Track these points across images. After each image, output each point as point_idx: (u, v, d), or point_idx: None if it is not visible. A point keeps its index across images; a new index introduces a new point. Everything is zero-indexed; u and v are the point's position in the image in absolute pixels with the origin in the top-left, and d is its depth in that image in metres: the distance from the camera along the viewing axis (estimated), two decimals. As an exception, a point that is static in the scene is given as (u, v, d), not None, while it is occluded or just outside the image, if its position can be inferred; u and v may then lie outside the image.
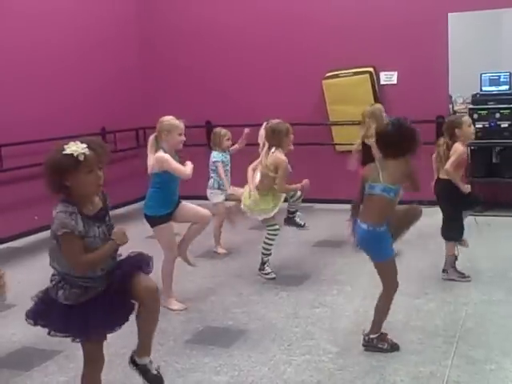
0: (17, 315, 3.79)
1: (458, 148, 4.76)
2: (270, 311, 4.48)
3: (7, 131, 6.49)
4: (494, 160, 7.47)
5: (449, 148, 4.82)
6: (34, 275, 5.03)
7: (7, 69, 6.69)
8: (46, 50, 7.22)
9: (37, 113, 6.93)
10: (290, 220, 5.81)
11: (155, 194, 4.52)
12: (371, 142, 5.19)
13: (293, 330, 4.09)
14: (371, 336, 3.67)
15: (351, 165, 5.74)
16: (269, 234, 5.21)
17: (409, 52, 7.62)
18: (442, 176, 4.90)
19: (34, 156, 6.83)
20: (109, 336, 2.98)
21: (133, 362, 3.14)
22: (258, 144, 7.29)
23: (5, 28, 6.74)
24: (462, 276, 4.91)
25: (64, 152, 2.67)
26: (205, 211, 4.72)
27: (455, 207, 4.91)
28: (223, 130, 6.16)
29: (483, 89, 7.38)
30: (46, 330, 2.86)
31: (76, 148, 2.66)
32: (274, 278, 5.17)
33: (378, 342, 3.66)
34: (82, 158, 2.65)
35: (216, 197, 6.02)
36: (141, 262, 2.96)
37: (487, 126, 7.23)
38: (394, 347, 3.67)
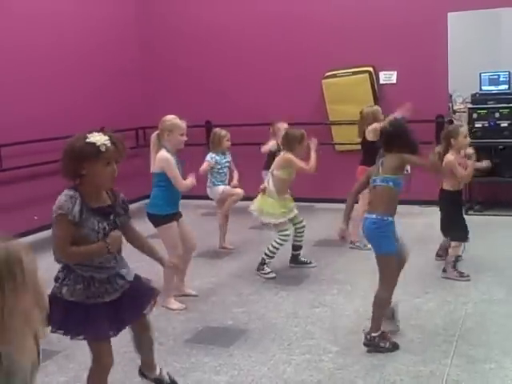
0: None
1: (447, 158, 4.90)
2: (270, 311, 4.48)
3: (7, 131, 6.49)
4: (493, 159, 7.47)
5: (441, 158, 4.93)
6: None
7: (7, 69, 6.70)
8: (46, 50, 7.23)
9: (37, 113, 6.93)
10: (295, 258, 5.54)
11: (159, 193, 4.51)
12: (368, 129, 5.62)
13: (293, 330, 4.09)
14: (373, 334, 3.67)
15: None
16: (279, 238, 5.23)
17: (408, 51, 7.62)
18: (444, 187, 5.02)
19: (34, 156, 6.86)
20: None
21: (142, 374, 3.21)
22: (258, 144, 7.29)
23: (5, 29, 6.75)
24: (461, 275, 4.92)
25: (87, 140, 2.71)
26: (193, 237, 4.72)
27: (459, 212, 5.05)
28: (223, 131, 6.14)
29: (483, 88, 7.39)
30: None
31: (99, 138, 2.72)
32: (274, 278, 5.17)
33: (379, 341, 3.66)
34: (103, 148, 2.70)
35: (216, 189, 6.06)
36: (151, 296, 3.03)
37: (487, 125, 7.24)
38: (395, 346, 3.68)
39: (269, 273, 5.22)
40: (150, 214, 4.55)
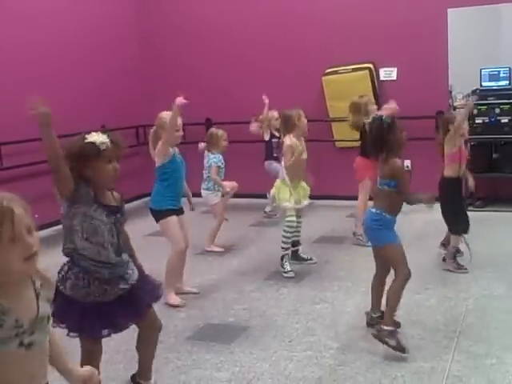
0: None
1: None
2: (271, 308, 4.48)
3: (7, 130, 6.49)
4: (493, 155, 7.48)
5: (442, 145, 4.96)
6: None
7: (7, 68, 6.69)
8: (45, 49, 7.22)
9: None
10: (294, 255, 5.46)
11: (160, 187, 4.51)
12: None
13: (294, 326, 4.10)
14: (384, 327, 3.58)
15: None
16: (284, 225, 5.19)
17: (408, 48, 7.62)
18: (445, 174, 5.02)
19: (34, 154, 6.84)
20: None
21: (134, 381, 3.20)
22: (259, 141, 7.31)
23: (5, 28, 6.74)
24: (459, 267, 4.94)
25: (86, 140, 2.75)
26: (188, 236, 4.68)
27: (459, 202, 5.05)
28: (220, 131, 6.07)
29: (483, 84, 7.38)
30: None
31: (97, 137, 2.77)
32: (292, 277, 5.08)
33: (387, 336, 3.55)
34: (103, 147, 2.74)
35: (213, 198, 5.98)
36: (157, 293, 3.05)
37: (487, 121, 7.24)
38: (400, 347, 3.55)
39: (288, 272, 5.14)
40: (152, 209, 4.56)
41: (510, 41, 7.28)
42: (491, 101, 7.24)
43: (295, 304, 4.53)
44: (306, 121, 5.22)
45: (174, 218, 4.49)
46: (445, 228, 5.21)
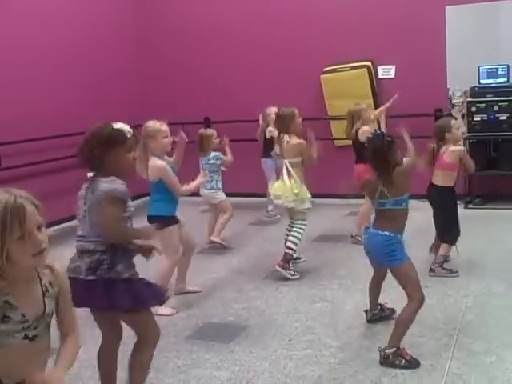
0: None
1: (454, 148, 4.87)
2: (271, 306, 4.48)
3: (6, 130, 6.48)
4: (492, 153, 7.48)
5: (436, 153, 4.91)
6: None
7: (6, 68, 6.69)
8: (43, 49, 7.23)
9: (35, 111, 6.92)
10: None
11: (162, 196, 4.42)
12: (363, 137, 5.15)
13: (293, 325, 4.10)
14: (387, 351, 3.43)
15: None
16: (299, 227, 5.13)
17: (406, 46, 7.62)
18: (436, 182, 4.96)
19: (33, 154, 6.85)
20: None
21: None
22: (257, 140, 7.30)
23: (4, 28, 6.74)
24: (450, 272, 4.89)
25: (115, 127, 2.84)
26: (193, 237, 4.68)
27: (451, 212, 4.98)
28: (208, 130, 6.10)
29: (481, 81, 7.39)
30: None
31: (124, 126, 2.87)
32: (296, 279, 5.04)
33: (394, 359, 3.41)
34: (129, 135, 2.85)
35: (220, 195, 6.01)
36: (158, 295, 3.02)
37: (485, 118, 7.25)
38: (414, 363, 3.41)
39: (294, 274, 5.07)
40: (154, 216, 4.37)
41: (508, 38, 7.29)
42: (489, 98, 7.24)
43: (295, 303, 4.53)
44: (300, 119, 5.20)
45: (176, 228, 4.45)
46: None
